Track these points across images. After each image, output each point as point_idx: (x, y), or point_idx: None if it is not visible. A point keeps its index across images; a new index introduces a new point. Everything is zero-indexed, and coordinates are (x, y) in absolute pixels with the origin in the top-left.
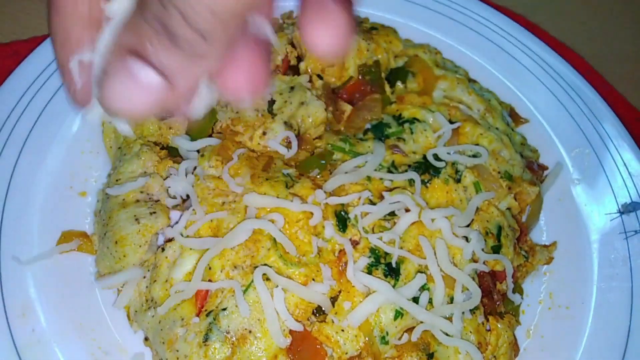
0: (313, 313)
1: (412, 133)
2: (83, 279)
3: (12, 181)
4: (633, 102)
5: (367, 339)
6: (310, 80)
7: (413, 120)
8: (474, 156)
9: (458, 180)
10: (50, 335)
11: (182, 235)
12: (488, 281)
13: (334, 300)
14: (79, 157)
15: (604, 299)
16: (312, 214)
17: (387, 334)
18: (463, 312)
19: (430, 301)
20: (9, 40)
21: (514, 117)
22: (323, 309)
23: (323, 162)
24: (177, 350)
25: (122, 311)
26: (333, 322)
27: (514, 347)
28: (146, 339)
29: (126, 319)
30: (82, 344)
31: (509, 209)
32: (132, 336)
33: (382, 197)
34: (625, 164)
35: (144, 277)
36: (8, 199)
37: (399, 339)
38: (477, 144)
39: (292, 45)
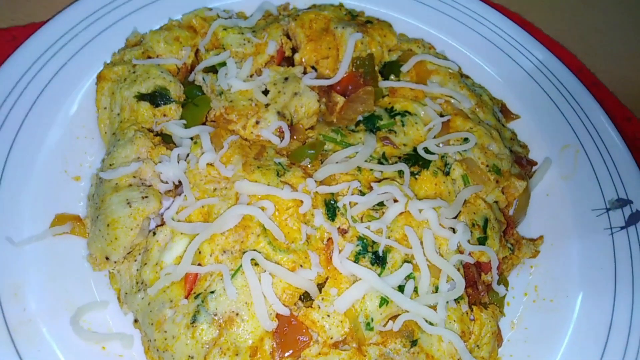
0: (300, 298)
1: (403, 125)
2: (75, 261)
3: (7, 164)
4: (624, 101)
5: (352, 324)
6: (305, 72)
7: (404, 113)
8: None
9: (447, 173)
10: (41, 315)
11: (173, 219)
12: (473, 272)
13: (321, 286)
14: (74, 142)
15: (588, 293)
16: (302, 202)
17: (372, 320)
18: (447, 302)
19: (415, 290)
20: (7, 26)
21: (505, 113)
22: (310, 294)
23: (313, 151)
24: (166, 331)
25: (112, 293)
26: (319, 307)
27: (498, 337)
28: (136, 321)
29: (117, 301)
30: (73, 325)
31: (496, 202)
32: (122, 318)
33: (371, 188)
34: (613, 161)
35: (135, 261)
36: (3, 181)
37: (384, 325)
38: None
39: (287, 36)
